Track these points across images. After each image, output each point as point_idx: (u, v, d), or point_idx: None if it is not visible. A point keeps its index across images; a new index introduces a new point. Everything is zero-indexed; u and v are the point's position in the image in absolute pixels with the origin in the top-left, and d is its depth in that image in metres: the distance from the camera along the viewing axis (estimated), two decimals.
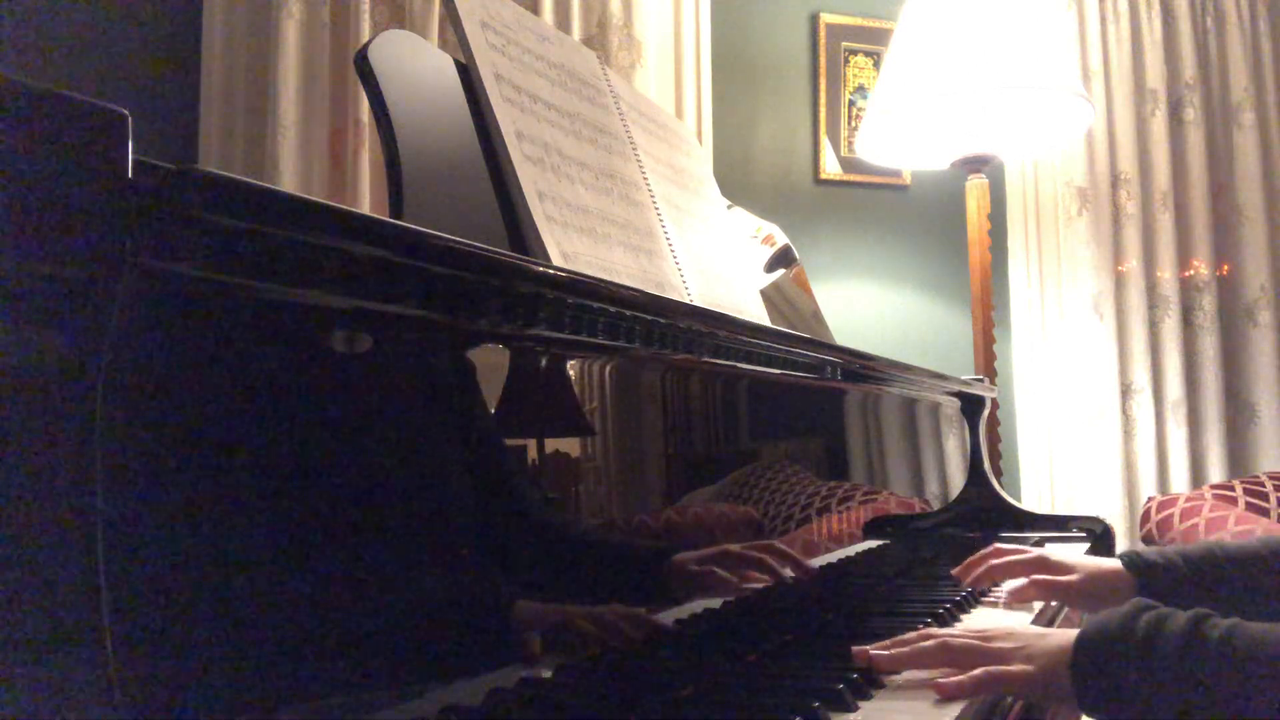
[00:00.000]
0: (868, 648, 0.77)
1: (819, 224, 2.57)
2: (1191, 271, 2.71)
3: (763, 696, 0.70)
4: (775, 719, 0.64)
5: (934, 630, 0.79)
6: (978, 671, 0.72)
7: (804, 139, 2.60)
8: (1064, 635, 0.74)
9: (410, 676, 0.47)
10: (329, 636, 0.43)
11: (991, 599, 1.13)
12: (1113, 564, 1.07)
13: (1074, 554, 1.15)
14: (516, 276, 0.56)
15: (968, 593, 1.11)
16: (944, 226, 2.63)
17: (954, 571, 1.15)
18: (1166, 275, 2.66)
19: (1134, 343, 2.62)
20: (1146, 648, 0.69)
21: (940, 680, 0.72)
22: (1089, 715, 0.73)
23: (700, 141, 2.27)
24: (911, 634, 0.80)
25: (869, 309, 2.59)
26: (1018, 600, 1.08)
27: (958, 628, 0.97)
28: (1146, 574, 1.04)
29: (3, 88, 0.32)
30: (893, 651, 0.77)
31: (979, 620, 1.02)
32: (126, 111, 0.34)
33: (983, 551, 1.17)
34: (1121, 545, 2.35)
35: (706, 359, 0.81)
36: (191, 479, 0.38)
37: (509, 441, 0.58)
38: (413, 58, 0.87)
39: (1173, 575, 1.03)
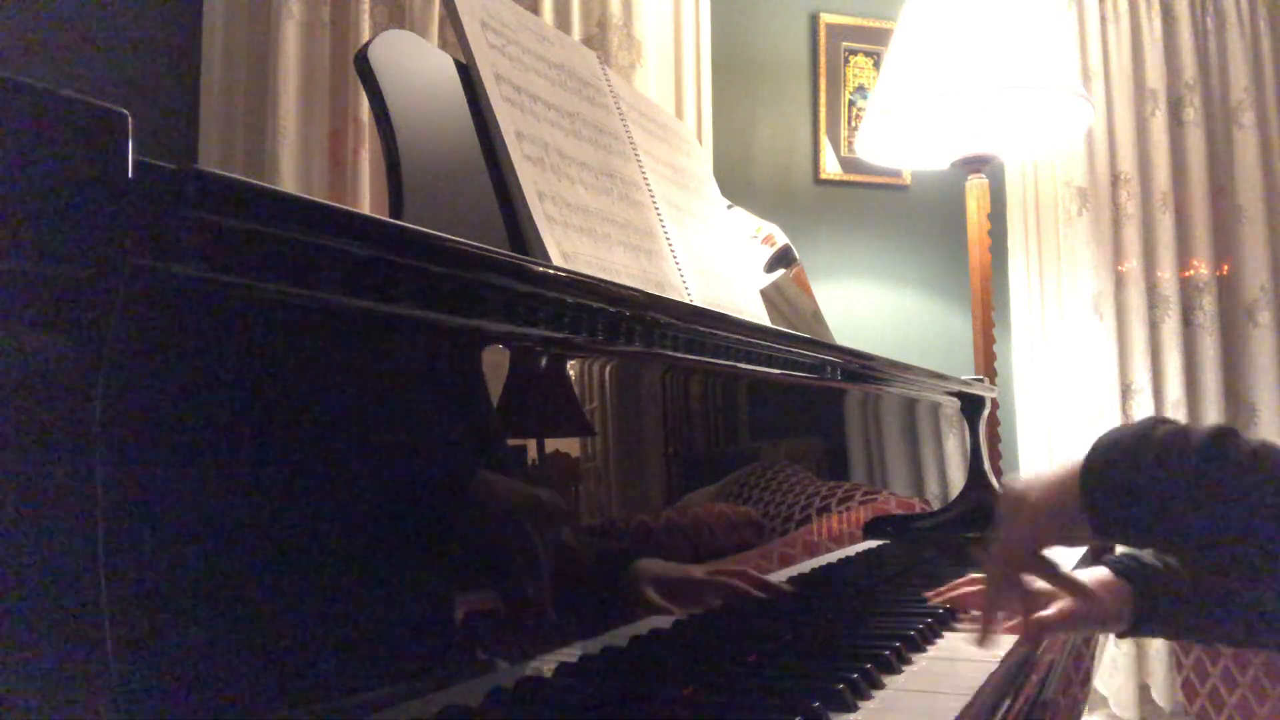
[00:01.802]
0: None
1: (819, 224, 2.57)
2: (1191, 271, 2.71)
3: (763, 696, 0.70)
4: (775, 719, 0.64)
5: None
6: (1027, 628, 0.73)
7: (804, 139, 2.60)
8: (1069, 461, 0.70)
9: (410, 676, 0.47)
10: (329, 636, 0.43)
11: None
12: (1100, 575, 0.95)
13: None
14: (516, 276, 0.56)
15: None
16: (944, 226, 2.63)
17: (930, 597, 1.07)
18: (1166, 275, 2.66)
19: (1134, 343, 2.62)
20: (1165, 455, 0.63)
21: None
22: (1099, 533, 0.68)
23: (700, 141, 2.27)
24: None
25: (869, 309, 2.59)
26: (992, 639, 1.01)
27: (958, 628, 0.97)
28: (1143, 579, 0.92)
29: (3, 88, 0.32)
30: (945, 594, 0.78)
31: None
32: (126, 111, 0.34)
33: (955, 583, 1.08)
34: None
35: (706, 359, 0.81)
36: (191, 479, 0.38)
37: (509, 441, 0.58)
38: (413, 58, 0.87)
39: (1171, 578, 0.97)
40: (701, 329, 0.78)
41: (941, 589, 1.07)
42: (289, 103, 1.99)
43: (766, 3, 2.58)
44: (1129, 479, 0.65)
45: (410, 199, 0.78)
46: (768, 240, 1.62)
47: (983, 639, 0.76)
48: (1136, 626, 0.88)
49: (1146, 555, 0.97)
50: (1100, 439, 0.68)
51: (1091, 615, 0.87)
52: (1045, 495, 0.69)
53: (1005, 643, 0.85)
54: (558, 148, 0.94)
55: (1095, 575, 0.94)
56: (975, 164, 2.20)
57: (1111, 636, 0.94)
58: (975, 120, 2.15)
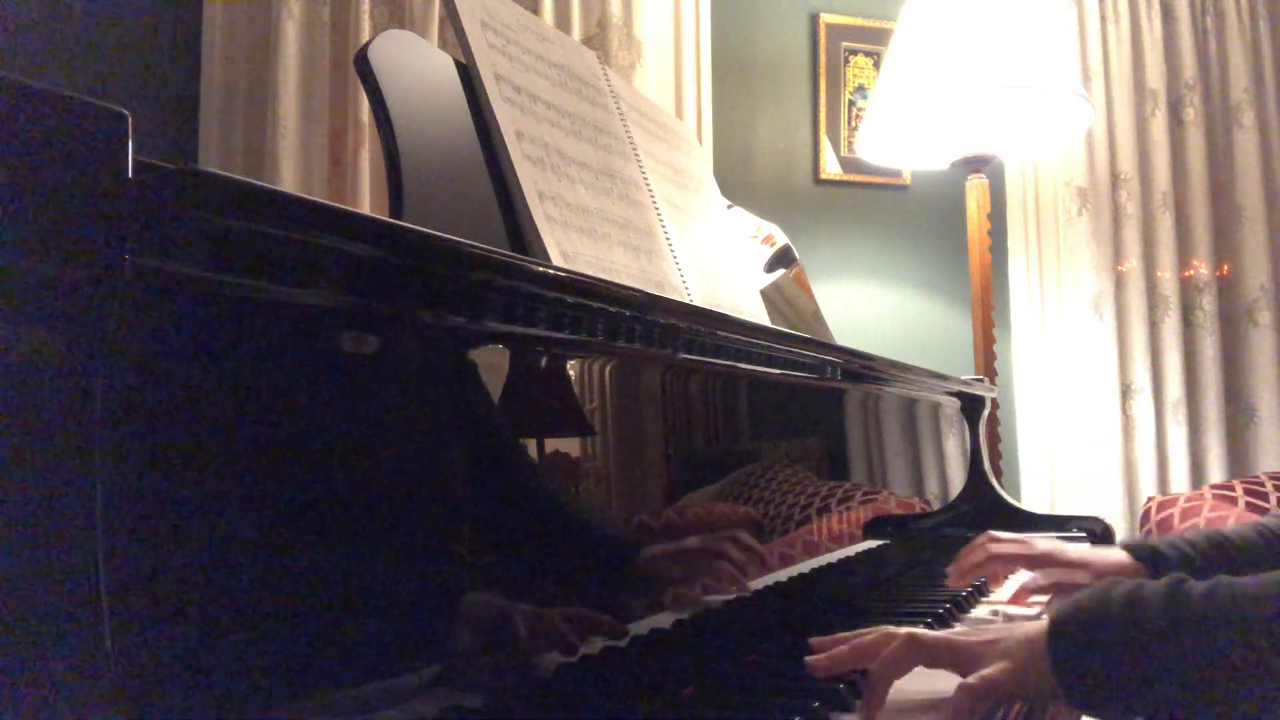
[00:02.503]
0: (816, 642, 0.72)
1: (819, 224, 2.57)
2: (1191, 271, 2.71)
3: (763, 696, 0.70)
4: (775, 719, 0.64)
5: (893, 629, 0.72)
6: (958, 692, 0.66)
7: (804, 139, 2.60)
8: (1035, 625, 0.69)
9: (410, 676, 0.47)
10: (329, 636, 0.43)
11: (992, 598, 1.13)
12: (1118, 556, 1.05)
13: (1076, 547, 1.12)
14: (516, 276, 0.56)
15: (969, 590, 1.10)
16: (944, 226, 2.63)
17: (949, 580, 1.12)
18: (1166, 275, 2.66)
19: (1134, 343, 2.62)
20: (1127, 619, 0.64)
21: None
22: (1078, 708, 0.68)
23: (700, 141, 2.27)
24: (868, 631, 0.73)
25: (869, 309, 2.59)
26: (1030, 593, 1.05)
27: (958, 628, 0.97)
28: (1157, 562, 1.02)
29: (3, 88, 0.32)
30: (835, 651, 0.71)
31: (979, 619, 1.02)
32: (126, 111, 0.34)
33: (976, 541, 1.13)
34: None
35: (706, 359, 0.81)
36: (191, 479, 0.38)
37: (509, 442, 0.58)
38: (413, 58, 0.87)
39: (1184, 564, 1.01)
40: (701, 329, 0.78)
41: (962, 556, 1.11)
42: (289, 103, 1.99)
43: (766, 3, 2.58)
44: (1100, 653, 0.64)
45: (410, 199, 0.78)
46: (768, 240, 1.62)
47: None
48: None
49: (1160, 542, 1.01)
50: (1060, 612, 0.68)
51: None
52: (1018, 669, 0.67)
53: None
54: (558, 148, 0.94)
55: (1112, 555, 0.99)
56: (975, 164, 2.20)
57: None
58: (975, 120, 2.15)
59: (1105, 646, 0.64)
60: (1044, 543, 1.12)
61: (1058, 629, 0.67)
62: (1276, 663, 0.60)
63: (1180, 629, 0.62)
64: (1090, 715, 0.69)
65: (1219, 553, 1.02)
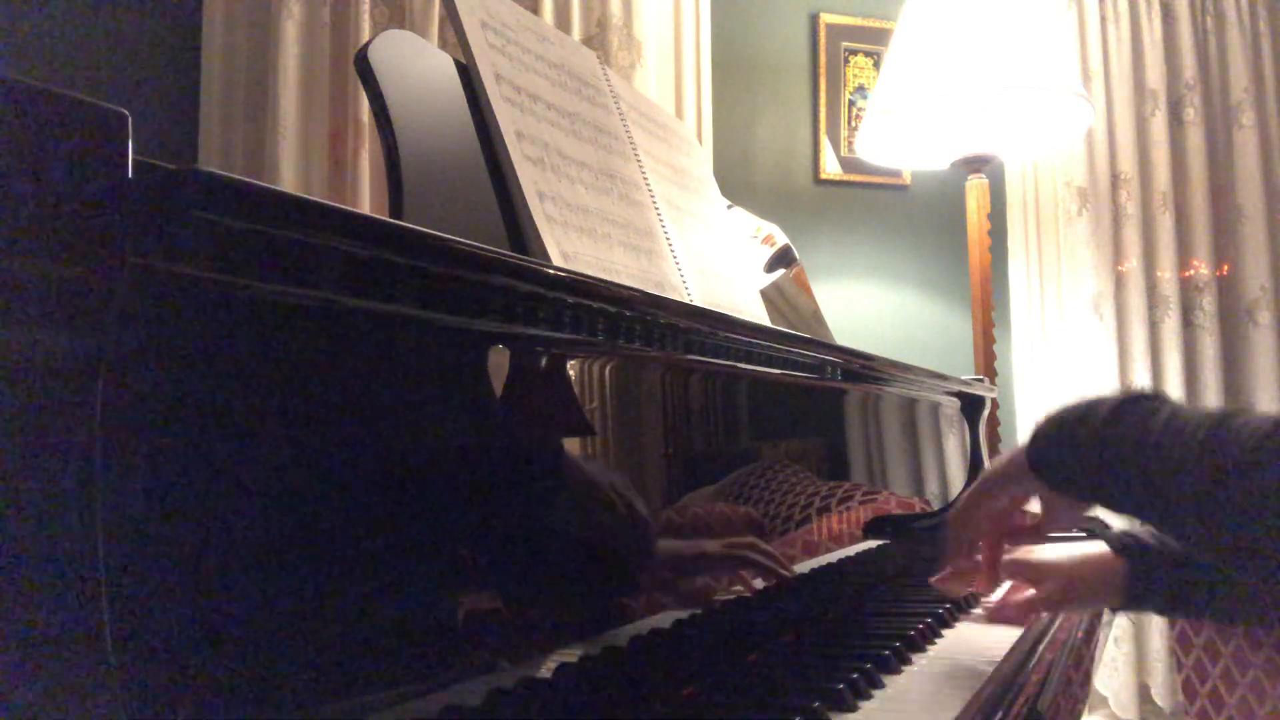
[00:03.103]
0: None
1: (819, 224, 2.57)
2: (1191, 271, 2.71)
3: (763, 696, 0.70)
4: (775, 719, 0.64)
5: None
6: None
7: (804, 139, 2.60)
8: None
9: (410, 676, 0.47)
10: (329, 636, 0.43)
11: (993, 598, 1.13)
12: (1097, 550, 1.00)
13: (1050, 550, 1.04)
14: (516, 276, 0.56)
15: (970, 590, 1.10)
16: (944, 226, 2.63)
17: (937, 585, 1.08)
18: (1166, 275, 2.66)
19: (1134, 343, 2.62)
20: (1092, 411, 0.75)
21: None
22: (1050, 488, 0.80)
23: (700, 141, 2.27)
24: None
25: (869, 309, 2.59)
26: (998, 620, 1.01)
27: (958, 628, 0.97)
28: (1140, 555, 0.97)
29: (3, 88, 0.32)
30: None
31: (979, 619, 1.02)
32: (126, 111, 0.34)
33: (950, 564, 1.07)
34: None
35: (706, 359, 0.81)
36: (191, 479, 0.38)
37: (509, 442, 0.58)
38: (413, 58, 0.87)
39: (1166, 553, 0.97)
40: (701, 329, 0.78)
41: (941, 576, 1.09)
42: (289, 103, 1.99)
43: (766, 3, 2.58)
44: (1068, 433, 0.76)
45: (410, 199, 0.78)
46: (768, 240, 1.62)
47: (943, 586, 0.94)
48: (1130, 602, 0.95)
49: (1142, 532, 1.00)
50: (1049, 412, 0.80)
51: (1072, 593, 0.95)
52: (997, 462, 0.82)
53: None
54: (558, 148, 0.94)
55: (1092, 550, 0.99)
56: (975, 164, 2.20)
57: (1113, 637, 0.97)
58: (975, 120, 2.15)
59: (1075, 436, 0.76)
60: (1019, 551, 1.09)
61: (1037, 427, 0.79)
62: (1195, 473, 0.68)
63: (1134, 434, 0.73)
64: (1057, 494, 0.81)
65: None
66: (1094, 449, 0.75)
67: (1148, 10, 2.71)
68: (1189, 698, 2.11)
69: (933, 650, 0.88)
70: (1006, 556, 1.06)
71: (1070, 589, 0.96)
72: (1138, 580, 0.93)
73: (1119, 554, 1.00)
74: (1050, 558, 1.03)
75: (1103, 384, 2.59)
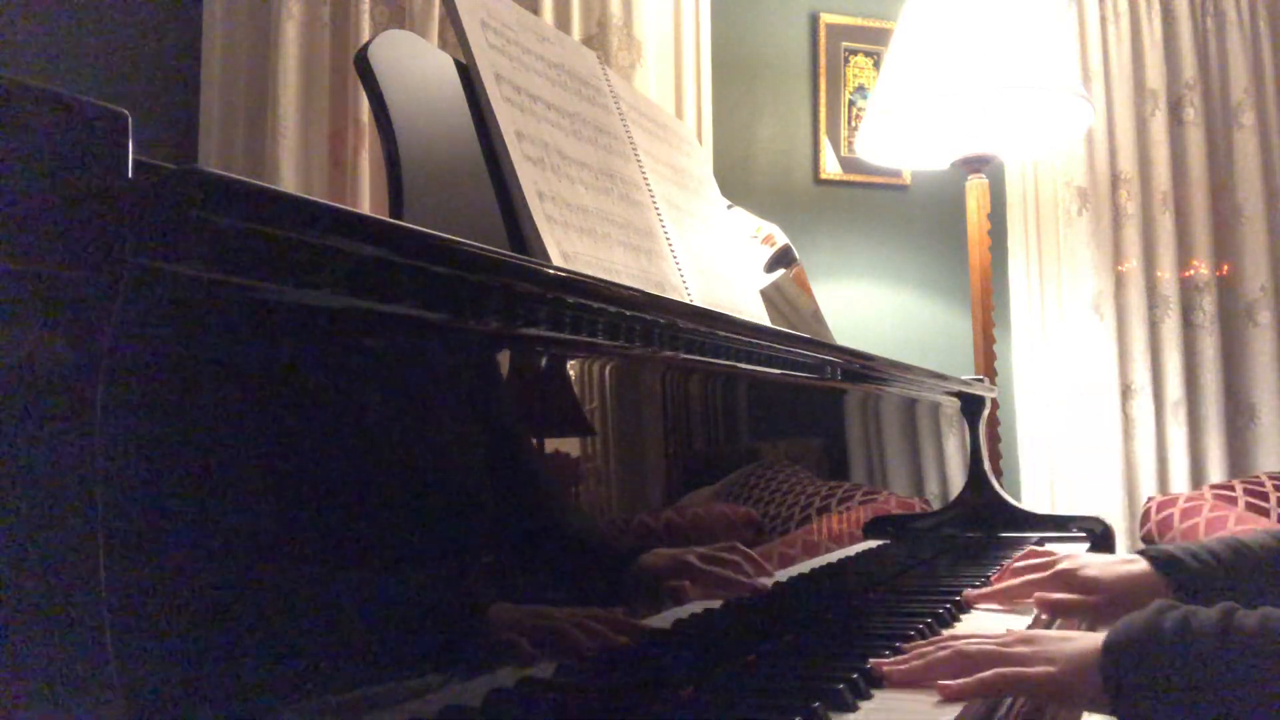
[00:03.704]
0: (883, 663, 0.76)
1: (819, 224, 2.57)
2: (1191, 271, 2.71)
3: (763, 696, 0.70)
4: (775, 719, 0.64)
5: (950, 642, 0.78)
6: (987, 673, 0.71)
7: (804, 139, 2.60)
8: (1090, 638, 0.74)
9: (410, 677, 0.47)
10: (329, 636, 0.43)
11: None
12: (1138, 566, 1.03)
13: (1094, 560, 1.09)
14: (516, 276, 0.56)
15: (972, 588, 1.10)
16: (944, 226, 2.63)
17: (969, 597, 1.09)
18: (1166, 275, 2.66)
19: (1134, 343, 2.62)
20: (1180, 646, 0.68)
21: (943, 681, 0.71)
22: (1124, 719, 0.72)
23: (700, 141, 2.27)
24: (925, 644, 0.79)
25: (869, 309, 2.59)
26: (1048, 612, 1.04)
27: (958, 628, 0.97)
28: (1179, 573, 1.01)
29: (3, 88, 0.32)
30: (910, 665, 0.75)
31: (978, 620, 1.02)
32: (126, 111, 0.34)
33: (1005, 572, 1.14)
34: (1122, 545, 2.35)
35: (706, 359, 0.81)
36: (191, 479, 0.38)
37: (509, 442, 0.58)
38: (413, 58, 0.87)
39: (1206, 573, 1.00)
40: (701, 329, 0.78)
41: (989, 590, 1.11)
42: (289, 103, 1.99)
43: (766, 3, 2.58)
44: (1151, 674, 0.69)
45: (410, 199, 0.78)
46: (768, 240, 1.62)
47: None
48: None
49: (1182, 554, 1.01)
50: (1114, 631, 0.72)
51: (1116, 606, 0.96)
52: (1062, 674, 0.72)
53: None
54: (558, 148, 0.94)
55: (1133, 569, 1.03)
56: (975, 164, 2.20)
57: None
58: (975, 120, 2.15)
59: (1157, 669, 0.68)
60: (1067, 559, 1.10)
61: (1110, 647, 0.71)
62: None
63: (1233, 659, 0.67)
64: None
65: (1240, 561, 1.01)
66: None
67: (1148, 10, 2.71)
68: None
69: None
70: (1058, 568, 1.08)
71: (1115, 602, 0.99)
72: (1178, 595, 0.94)
73: (1158, 569, 1.02)
74: (1096, 573, 1.05)
75: (1103, 384, 2.59)
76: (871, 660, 0.76)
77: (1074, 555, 1.12)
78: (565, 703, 0.57)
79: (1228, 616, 0.69)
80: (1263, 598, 0.94)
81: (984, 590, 1.10)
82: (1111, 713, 0.71)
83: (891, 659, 0.77)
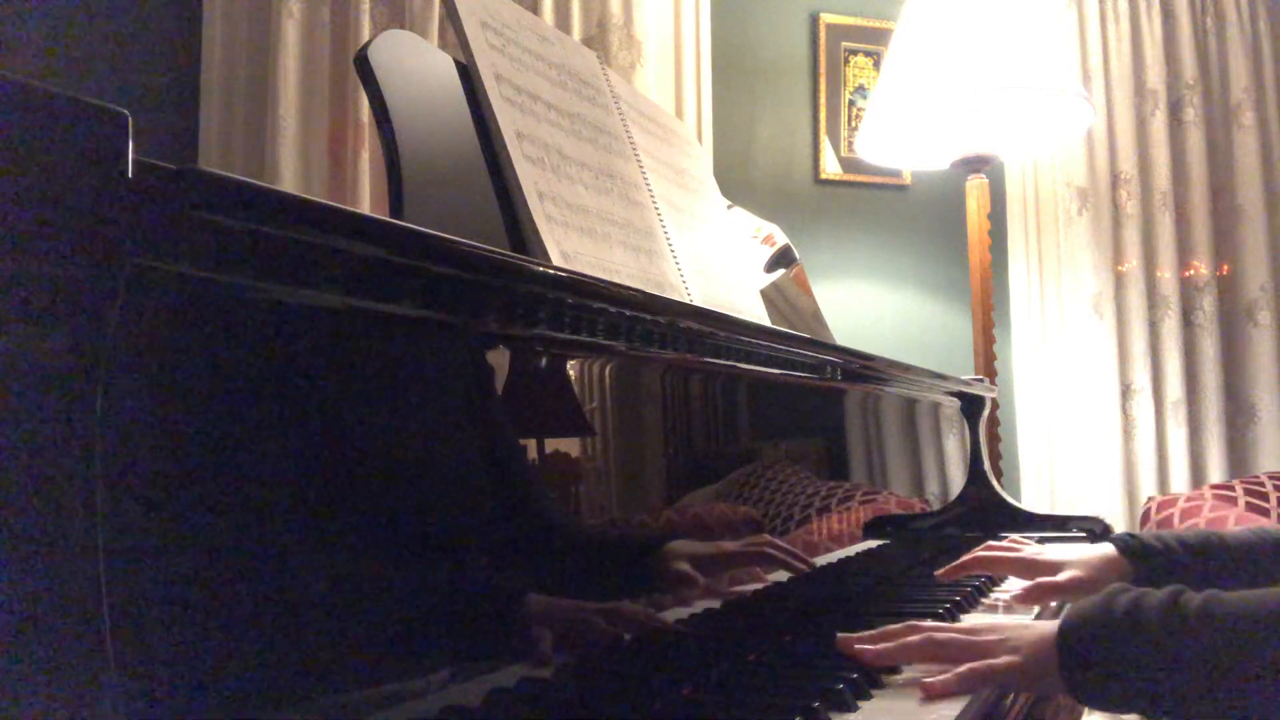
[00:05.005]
0: (852, 637, 0.78)
1: (819, 224, 2.57)
2: (1191, 271, 2.71)
3: (763, 696, 0.70)
4: (775, 719, 0.64)
5: (919, 623, 0.80)
6: (961, 669, 0.72)
7: (804, 139, 2.60)
8: (1047, 625, 0.75)
9: (410, 677, 0.47)
10: (329, 636, 0.43)
11: (991, 600, 1.13)
12: (1106, 551, 1.07)
13: (1062, 549, 1.14)
14: (516, 276, 0.56)
15: (972, 589, 1.10)
16: (944, 226, 2.62)
17: (938, 573, 1.14)
18: (1166, 275, 2.66)
19: (1134, 343, 2.62)
20: (1129, 627, 0.70)
21: (925, 680, 0.72)
22: (1082, 703, 0.74)
23: (700, 141, 2.27)
24: (896, 625, 0.80)
25: (869, 309, 2.59)
26: (1021, 604, 1.07)
27: (972, 618, 0.97)
28: (1144, 559, 1.04)
29: (3, 88, 0.32)
30: (879, 646, 0.77)
31: (979, 621, 1.02)
32: (126, 111, 0.34)
33: (972, 551, 1.17)
34: None
35: (706, 359, 0.81)
36: (191, 479, 0.38)
37: (509, 441, 0.58)
38: (413, 58, 0.87)
39: (1170, 560, 1.03)
40: (701, 329, 0.78)
41: (957, 562, 1.14)
42: (289, 103, 1.99)
43: (766, 3, 2.58)
44: (1102, 657, 0.70)
45: (410, 199, 0.78)
46: (768, 240, 1.62)
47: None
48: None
49: (1150, 539, 1.04)
50: (1069, 615, 0.74)
51: (1087, 583, 1.00)
52: (1025, 662, 0.73)
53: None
54: (558, 148, 0.94)
55: (1099, 553, 1.07)
56: (975, 164, 2.20)
57: None
58: (975, 120, 2.15)
59: (1108, 650, 0.70)
60: (1030, 548, 1.16)
61: (1065, 630, 0.72)
62: (1255, 671, 0.66)
63: (1175, 640, 0.68)
64: (1092, 708, 0.76)
65: (1208, 549, 1.04)
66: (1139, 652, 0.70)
67: (1148, 10, 2.71)
68: None
69: None
70: (1022, 553, 1.12)
71: (1086, 580, 1.02)
72: (1143, 580, 0.96)
73: (1124, 554, 1.05)
74: (1062, 556, 1.09)
75: (1103, 384, 2.59)
76: (840, 635, 0.78)
77: (1037, 545, 1.17)
78: (565, 702, 0.57)
79: (1174, 598, 0.70)
80: (1233, 586, 0.96)
81: (950, 565, 1.14)
82: (1069, 694, 0.73)
83: (858, 634, 0.79)
